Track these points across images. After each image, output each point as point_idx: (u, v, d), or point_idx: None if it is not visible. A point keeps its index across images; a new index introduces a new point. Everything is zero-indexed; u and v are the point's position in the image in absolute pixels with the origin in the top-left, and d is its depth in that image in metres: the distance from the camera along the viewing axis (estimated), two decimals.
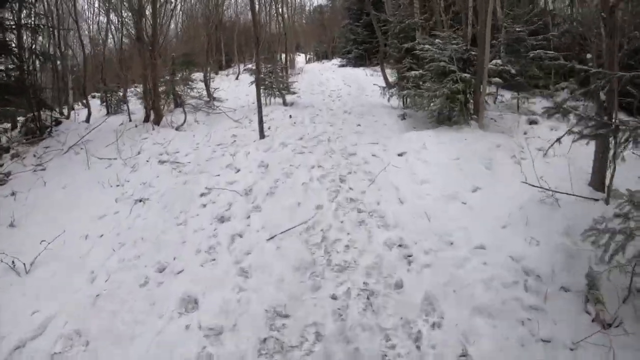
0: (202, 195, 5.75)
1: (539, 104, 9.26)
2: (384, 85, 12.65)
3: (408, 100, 9.10)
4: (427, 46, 7.60)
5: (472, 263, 3.66)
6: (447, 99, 7.08)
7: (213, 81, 17.18)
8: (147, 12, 9.54)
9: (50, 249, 4.66)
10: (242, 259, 4.10)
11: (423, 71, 7.87)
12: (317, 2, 46.73)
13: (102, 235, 5.13)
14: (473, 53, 7.57)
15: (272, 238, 4.35)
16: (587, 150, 5.67)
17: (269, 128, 8.66)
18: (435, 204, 4.69)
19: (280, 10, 17.47)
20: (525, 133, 6.91)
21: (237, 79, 17.33)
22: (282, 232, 4.41)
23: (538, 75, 8.71)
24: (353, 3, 21.86)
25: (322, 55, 29.39)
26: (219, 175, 6.37)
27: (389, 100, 9.87)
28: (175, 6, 20.01)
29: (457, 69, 7.29)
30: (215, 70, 22.75)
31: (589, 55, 7.12)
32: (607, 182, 4.28)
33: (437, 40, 7.90)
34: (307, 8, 36.99)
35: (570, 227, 3.79)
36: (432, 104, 7.31)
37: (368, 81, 14.99)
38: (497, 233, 3.95)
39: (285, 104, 10.59)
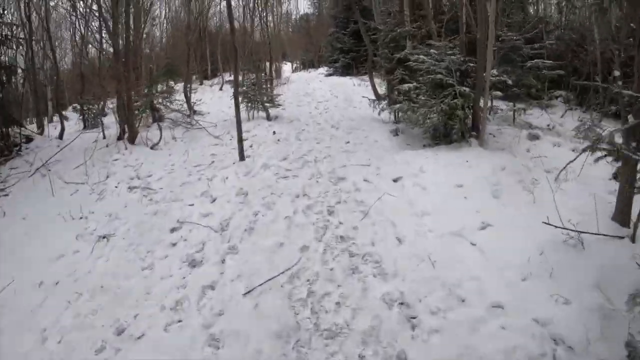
0: (172, 230, 5.01)
1: (537, 115, 8.76)
2: (373, 97, 12.07)
3: (400, 114, 8.47)
4: (422, 57, 6.98)
5: (488, 327, 2.99)
6: (445, 115, 6.46)
7: (195, 92, 16.45)
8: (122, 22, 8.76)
9: None
10: (213, 322, 3.37)
11: (417, 84, 7.25)
12: (303, 10, 46.25)
13: (57, 283, 4.36)
14: (471, 64, 6.96)
15: (249, 292, 3.63)
16: (598, 172, 5.14)
17: (250, 146, 7.95)
18: (440, 244, 4.02)
19: (265, 18, 16.79)
20: (528, 150, 6.33)
21: (221, 89, 16.58)
22: (260, 285, 3.69)
23: (534, 85, 8.20)
24: (339, 11, 21.30)
25: (309, 64, 28.77)
26: (192, 204, 5.63)
27: (379, 113, 9.23)
28: (155, 15, 19.27)
29: (455, 82, 6.69)
30: (200, 79, 21.97)
31: (616, 73, 6.51)
32: (633, 217, 3.69)
33: (432, 51, 7.29)
34: (293, 16, 36.46)
35: (602, 278, 3.16)
36: (427, 121, 6.68)
37: (356, 92, 14.38)
38: (516, 287, 3.28)
39: (269, 118, 9.86)
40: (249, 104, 9.97)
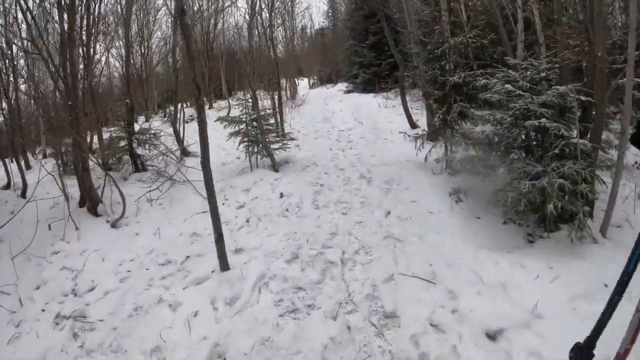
0: None
1: None
2: (411, 132, 9.21)
3: (457, 162, 5.57)
4: (507, 85, 4.08)
5: None
6: (561, 192, 3.55)
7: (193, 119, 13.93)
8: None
9: None
10: None
11: (498, 126, 4.37)
12: (318, 24, 43.66)
13: None
14: (582, 98, 4.01)
15: None
16: None
17: (247, 222, 5.23)
18: None
19: (269, 33, 14.13)
20: None
21: (228, 115, 13.95)
22: None
23: None
24: (357, 22, 18.46)
25: (326, 80, 25.99)
26: None
27: (423, 155, 6.33)
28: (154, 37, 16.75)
29: (564, 128, 3.79)
30: (210, 102, 19.46)
31: None
32: None
33: (513, 73, 4.39)
34: (308, 31, 33.82)
35: None
36: (523, 199, 3.76)
37: (382, 115, 11.52)
38: None
39: (275, 167, 7.02)
40: (249, 147, 7.22)
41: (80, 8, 6.12)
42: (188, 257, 4.67)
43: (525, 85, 4.21)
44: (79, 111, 5.73)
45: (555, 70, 4.42)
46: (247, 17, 17.56)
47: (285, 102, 16.54)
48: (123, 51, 13.97)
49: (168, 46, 17.05)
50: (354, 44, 18.45)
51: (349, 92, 19.25)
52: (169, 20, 17.23)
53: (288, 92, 19.93)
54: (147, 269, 4.60)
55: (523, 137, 4.30)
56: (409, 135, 6.74)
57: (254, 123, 7.22)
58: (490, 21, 10.51)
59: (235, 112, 7.67)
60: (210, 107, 19.02)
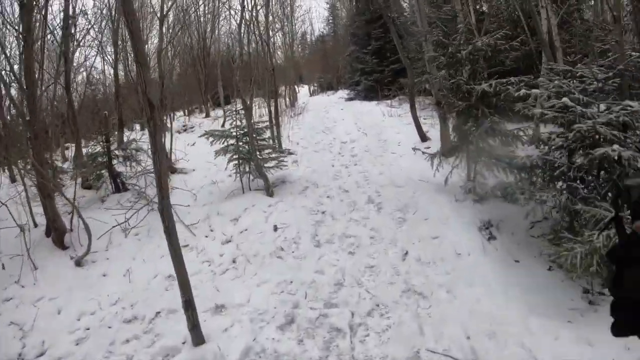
0: None
1: None
2: (417, 139, 8.27)
3: (489, 191, 4.57)
4: (565, 99, 3.10)
5: None
6: None
7: (193, 129, 12.93)
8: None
9: None
10: None
11: (546, 151, 3.38)
12: (318, 30, 42.81)
13: None
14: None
15: None
16: None
17: (227, 269, 4.23)
18: None
19: (271, 38, 13.20)
20: None
21: (222, 126, 12.98)
22: None
23: None
24: (359, 27, 17.52)
25: (327, 87, 25.02)
26: None
27: (438, 173, 5.34)
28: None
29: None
30: (207, 111, 18.45)
31: None
32: None
33: (566, 83, 3.41)
34: (308, 37, 32.90)
35: None
36: (594, 255, 2.75)
37: (388, 125, 10.53)
38: None
39: (269, 192, 5.98)
40: (240, 166, 6.23)
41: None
42: (159, 313, 3.67)
43: (582, 99, 3.24)
44: (37, 128, 4.74)
45: (615, 81, 3.45)
46: (237, 17, 16.68)
47: (284, 111, 15.61)
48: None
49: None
50: (356, 50, 17.51)
51: (350, 99, 18.29)
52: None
53: (287, 99, 18.97)
54: (110, 327, 3.61)
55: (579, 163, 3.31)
56: (423, 152, 5.74)
57: (246, 138, 6.23)
58: (502, 24, 9.62)
59: (227, 125, 6.69)
60: (207, 115, 18.07)
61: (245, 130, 6.20)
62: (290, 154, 8.41)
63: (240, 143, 6.24)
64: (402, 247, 4.18)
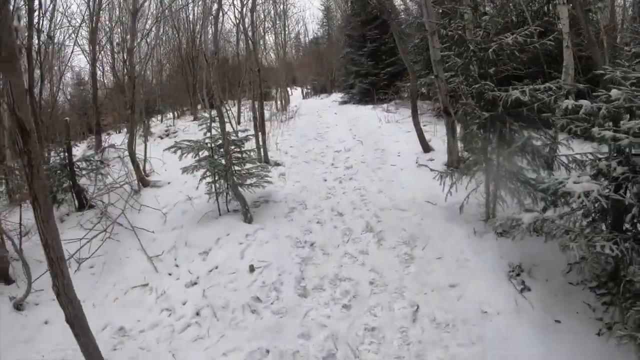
0: None
1: None
2: (419, 150, 7.35)
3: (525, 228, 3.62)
4: None
5: None
6: None
7: (176, 134, 11.84)
8: None
9: None
10: None
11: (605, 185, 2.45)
12: (312, 31, 41.81)
13: None
14: None
15: None
16: None
17: (188, 325, 3.26)
18: None
19: (256, 32, 12.23)
20: None
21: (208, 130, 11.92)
22: None
23: None
24: (354, 29, 16.58)
25: (321, 89, 24.04)
26: None
27: (449, 196, 4.40)
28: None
29: None
30: (195, 113, 17.33)
31: None
32: None
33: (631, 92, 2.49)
34: (302, 38, 31.86)
35: None
36: None
37: (385, 132, 9.55)
38: None
39: (247, 217, 4.92)
40: (216, 183, 5.22)
41: None
42: None
43: None
44: None
45: None
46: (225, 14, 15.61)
47: (275, 115, 14.60)
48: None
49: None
50: (351, 52, 16.55)
51: (344, 103, 17.37)
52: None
53: (279, 102, 17.97)
54: None
55: None
56: (431, 170, 4.80)
57: (218, 148, 5.24)
58: (507, 26, 8.72)
59: (200, 134, 5.66)
60: (195, 118, 16.98)
61: (217, 141, 5.21)
62: (278, 165, 7.45)
63: (216, 156, 5.25)
64: (411, 299, 3.22)
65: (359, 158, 7.80)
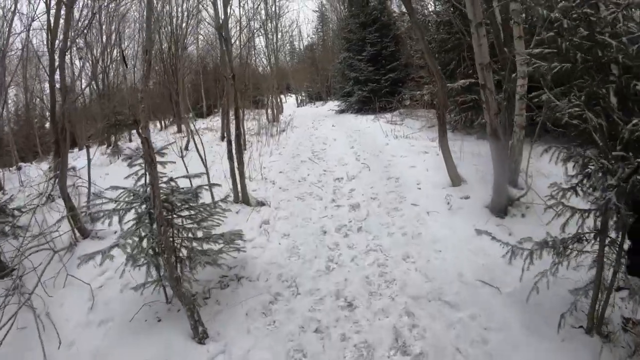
0: None
1: None
2: (446, 180, 5.43)
3: None
4: None
5: None
6: None
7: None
8: None
9: None
10: None
11: None
12: (307, 36, 39.89)
13: None
14: None
15: None
16: None
17: None
18: None
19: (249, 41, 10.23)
20: None
21: (186, 148, 9.87)
22: None
23: None
24: (353, 31, 14.65)
25: (316, 97, 22.04)
26: None
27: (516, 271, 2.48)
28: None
29: None
30: (179, 125, 15.26)
31: None
32: None
33: None
34: (296, 44, 29.87)
35: None
36: None
37: (397, 152, 7.57)
38: None
39: (199, 334, 2.69)
40: (148, 267, 3.17)
41: None
42: None
43: None
44: None
45: None
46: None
47: (265, 127, 12.60)
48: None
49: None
50: (349, 57, 14.62)
51: (341, 112, 15.45)
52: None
53: (270, 112, 15.95)
54: None
55: None
56: (500, 242, 2.83)
57: (148, 216, 3.19)
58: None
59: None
60: (179, 131, 14.95)
61: (148, 194, 3.17)
62: (261, 205, 5.45)
63: (145, 221, 3.21)
64: None
65: (367, 191, 5.84)
